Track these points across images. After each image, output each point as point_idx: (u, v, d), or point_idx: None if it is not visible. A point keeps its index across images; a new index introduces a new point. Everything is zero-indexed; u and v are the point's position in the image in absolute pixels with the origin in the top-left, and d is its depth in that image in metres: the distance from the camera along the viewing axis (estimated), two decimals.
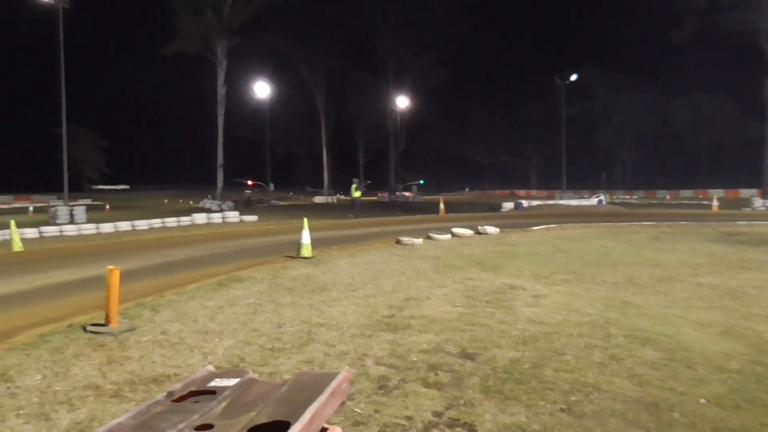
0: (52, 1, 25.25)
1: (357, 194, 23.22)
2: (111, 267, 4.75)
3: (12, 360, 4.04)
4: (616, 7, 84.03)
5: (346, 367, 2.53)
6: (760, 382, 3.60)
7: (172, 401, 1.66)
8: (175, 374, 3.78)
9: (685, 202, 39.46)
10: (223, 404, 1.62)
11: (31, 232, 16.11)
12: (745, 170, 55.21)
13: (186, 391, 1.72)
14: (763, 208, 26.36)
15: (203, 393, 1.71)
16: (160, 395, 1.69)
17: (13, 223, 12.46)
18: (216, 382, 1.76)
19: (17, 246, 12.01)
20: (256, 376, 1.89)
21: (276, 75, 52.85)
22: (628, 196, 53.83)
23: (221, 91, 39.08)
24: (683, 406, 3.22)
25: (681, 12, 35.06)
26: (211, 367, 1.93)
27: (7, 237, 12.67)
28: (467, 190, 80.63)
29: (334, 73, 58.29)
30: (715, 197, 28.02)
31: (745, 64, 39.40)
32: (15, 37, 75.26)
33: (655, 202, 42.87)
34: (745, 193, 46.72)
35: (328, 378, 1.71)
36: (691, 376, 3.69)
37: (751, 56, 34.30)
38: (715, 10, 33.45)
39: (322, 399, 1.54)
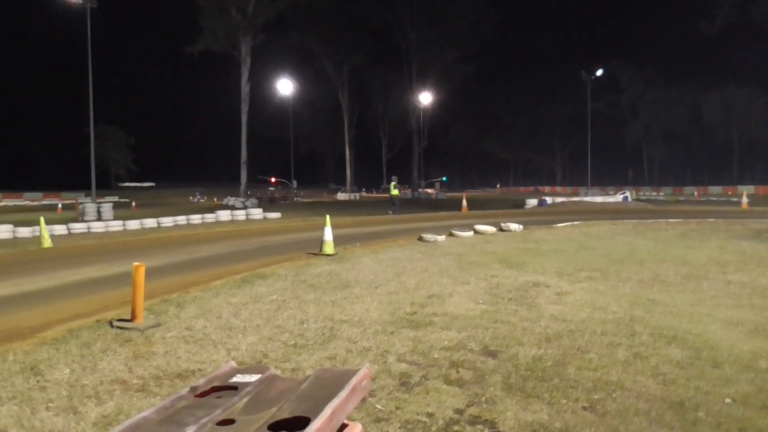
0: (80, 1, 25.77)
1: (395, 192, 23.56)
2: (137, 263, 4.84)
3: (42, 354, 4.15)
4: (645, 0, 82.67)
5: (367, 363, 2.54)
6: None
7: (195, 396, 1.69)
8: (200, 369, 3.84)
9: (714, 198, 38.63)
10: (245, 400, 1.64)
11: (60, 229, 16.50)
12: None
13: (209, 387, 1.75)
14: None
15: (225, 388, 1.74)
16: (184, 390, 1.72)
17: (42, 220, 12.78)
18: (238, 378, 1.78)
19: (47, 242, 12.31)
20: (277, 372, 1.91)
21: (300, 72, 53.28)
22: (655, 193, 52.92)
23: (245, 88, 39.51)
24: (709, 405, 3.16)
25: (713, 4, 34.32)
26: (233, 363, 1.96)
27: (37, 233, 12.98)
28: (498, 186, 79.91)
29: (358, 70, 58.47)
30: (744, 194, 27.33)
31: None
32: (45, 38, 77.12)
33: (682, 198, 42.08)
34: None
35: (348, 375, 1.72)
36: (718, 375, 3.62)
37: None
38: (748, 2, 32.69)
39: (342, 395, 1.55)
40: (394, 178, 24.24)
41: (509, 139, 77.16)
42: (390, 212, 23.10)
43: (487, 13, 50.57)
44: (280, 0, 39.39)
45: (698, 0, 64.58)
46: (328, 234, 9.93)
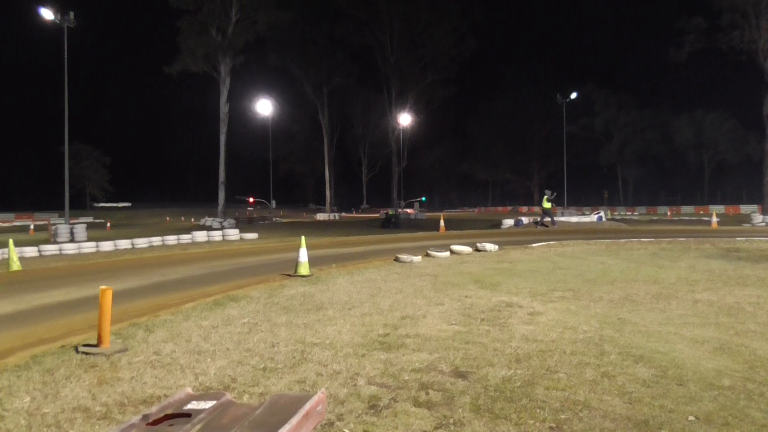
0: (57, 21, 25.62)
1: (548, 205, 24.30)
2: (104, 287, 4.76)
3: (2, 382, 4.04)
4: (618, 26, 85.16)
5: (322, 388, 2.53)
6: (750, 399, 3.58)
7: (147, 425, 1.66)
8: (166, 395, 3.76)
9: (686, 218, 39.39)
10: (198, 427, 1.62)
11: (30, 251, 16.16)
12: (746, 186, 55.22)
13: (162, 414, 1.73)
14: (763, 224, 26.30)
15: (179, 416, 1.71)
16: (135, 418, 1.70)
17: (11, 242, 12.49)
18: (193, 405, 1.76)
19: (15, 265, 12.03)
20: (233, 397, 1.89)
21: (279, 93, 53.45)
22: (629, 213, 53.83)
23: (224, 109, 39.39)
24: (672, 423, 3.20)
25: (681, 31, 35.41)
26: (189, 390, 1.94)
27: (6, 256, 12.67)
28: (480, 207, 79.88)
29: (338, 91, 58.84)
30: (714, 213, 27.96)
31: (745, 81, 39.62)
32: (22, 57, 76.36)
33: (655, 218, 42.80)
34: (745, 209, 46.70)
35: (303, 400, 1.71)
36: (682, 394, 3.67)
37: (750, 74, 34.56)
38: (715, 30, 33.82)
39: (293, 422, 1.54)
40: (547, 192, 24.76)
41: (489, 160, 77.95)
42: (549, 225, 24.58)
43: (466, 37, 51.39)
44: (260, 22, 39.53)
45: (667, 27, 66.89)
46: (303, 255, 9.89)
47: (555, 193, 24.95)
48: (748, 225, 26.58)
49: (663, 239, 17.00)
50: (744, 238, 16.86)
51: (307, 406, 1.67)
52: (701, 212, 48.24)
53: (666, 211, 52.92)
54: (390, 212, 37.62)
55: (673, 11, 63.32)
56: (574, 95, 44.89)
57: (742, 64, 34.00)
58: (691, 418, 3.28)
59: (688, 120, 65.05)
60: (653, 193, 70.80)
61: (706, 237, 17.83)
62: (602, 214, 31.10)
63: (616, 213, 49.46)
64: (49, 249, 16.98)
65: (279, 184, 67.92)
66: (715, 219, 25.68)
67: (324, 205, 63.21)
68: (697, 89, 66.56)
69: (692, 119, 64.83)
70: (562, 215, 33.69)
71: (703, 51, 35.37)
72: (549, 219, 24.91)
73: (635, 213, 54.13)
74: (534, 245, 15.37)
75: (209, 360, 4.59)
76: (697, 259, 11.55)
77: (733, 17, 32.66)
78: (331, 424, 3.14)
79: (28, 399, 3.71)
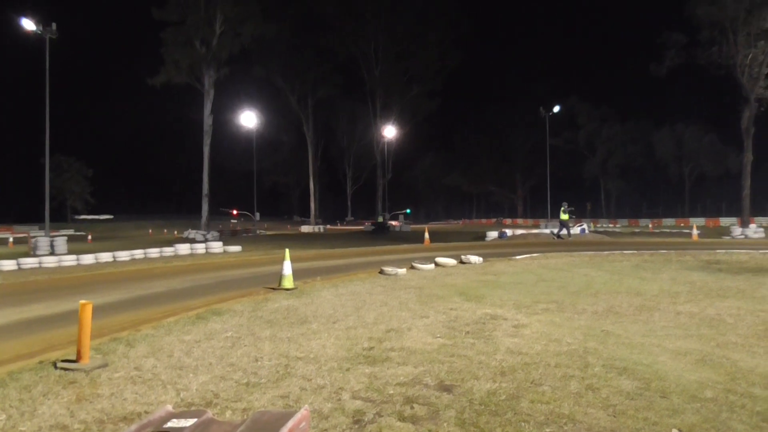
0: (39, 32, 25.39)
1: (565, 216, 24.66)
2: (83, 301, 4.68)
3: None
4: (601, 40, 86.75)
5: (306, 405, 2.50)
6: (732, 411, 3.61)
7: None
8: (146, 412, 3.70)
9: (667, 230, 39.89)
10: None
11: (9, 264, 15.87)
12: (726, 199, 56.16)
13: None
14: (742, 237, 26.70)
15: None
16: None
17: None
18: (173, 423, 1.72)
19: None
20: (214, 415, 1.86)
21: (264, 105, 53.39)
22: (612, 225, 54.37)
23: (208, 121, 39.21)
24: None
25: (662, 47, 36.08)
26: (169, 407, 1.90)
27: None
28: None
29: (323, 103, 58.93)
30: (694, 226, 28.39)
31: (724, 96, 40.33)
32: (2, 67, 75.44)
33: (637, 230, 43.28)
34: (725, 221, 47.44)
35: (286, 417, 1.69)
36: (666, 406, 3.69)
37: (729, 89, 35.17)
38: (694, 45, 34.52)
39: None
40: (564, 204, 24.86)
41: (473, 172, 78.40)
42: (562, 236, 24.73)
43: (451, 50, 51.83)
44: (244, 34, 39.53)
45: (648, 42, 68.27)
46: (288, 268, 9.82)
47: (566, 204, 25.07)
48: (727, 237, 26.97)
49: (645, 251, 17.18)
50: (724, 251, 17.11)
51: (290, 423, 1.64)
52: (682, 225, 48.91)
53: (648, 223, 53.59)
54: (380, 220, 42.14)
55: (654, 27, 64.75)
56: (557, 108, 45.43)
57: (722, 79, 34.65)
58: (674, 430, 3.30)
59: (669, 133, 66.25)
60: (635, 206, 71.67)
61: (687, 249, 18.05)
62: (585, 226, 31.38)
63: (598, 225, 49.97)
64: (29, 262, 16.70)
65: (263, 196, 67.72)
66: (695, 231, 26.05)
67: (309, 217, 63.00)
68: (677, 103, 67.90)
69: (673, 133, 66.05)
70: (546, 227, 33.94)
71: (683, 66, 36.03)
72: (565, 231, 25.13)
73: (617, 225, 54.72)
74: (518, 257, 15.45)
75: (191, 375, 4.52)
76: (678, 271, 11.68)
77: (712, 33, 33.36)
78: None
79: (4, 417, 3.62)
